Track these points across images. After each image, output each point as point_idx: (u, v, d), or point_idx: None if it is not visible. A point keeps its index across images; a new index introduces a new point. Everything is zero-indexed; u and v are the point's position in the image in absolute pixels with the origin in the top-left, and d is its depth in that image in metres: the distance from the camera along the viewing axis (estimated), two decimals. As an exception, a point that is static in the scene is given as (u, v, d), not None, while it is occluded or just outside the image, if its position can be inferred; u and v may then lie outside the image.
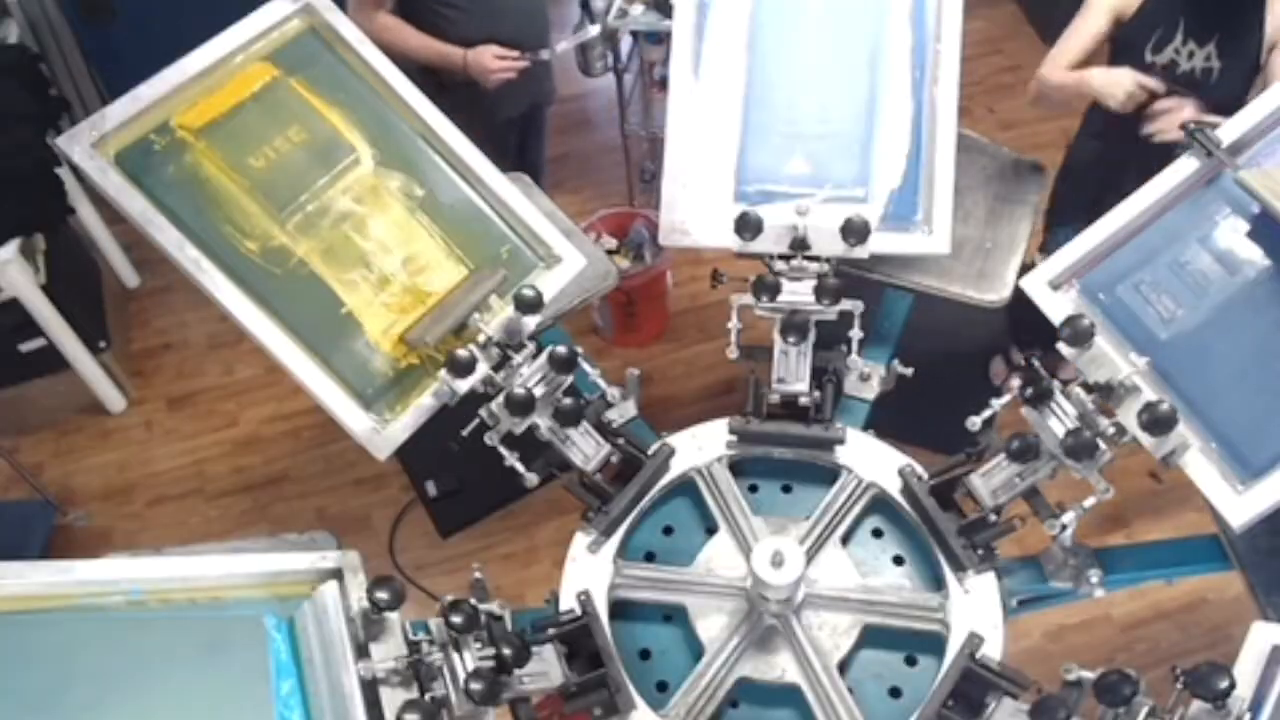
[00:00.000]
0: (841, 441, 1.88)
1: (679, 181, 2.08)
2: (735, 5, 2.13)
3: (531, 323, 1.88)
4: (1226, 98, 1.80)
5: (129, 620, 1.44)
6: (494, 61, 2.62)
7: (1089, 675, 1.46)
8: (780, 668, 1.66)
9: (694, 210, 2.06)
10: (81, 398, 3.26)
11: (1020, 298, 1.95)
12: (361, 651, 1.46)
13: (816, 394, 1.91)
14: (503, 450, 1.79)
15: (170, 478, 3.16)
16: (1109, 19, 1.88)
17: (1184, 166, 1.78)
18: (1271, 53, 1.72)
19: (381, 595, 1.47)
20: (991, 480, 1.76)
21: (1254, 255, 1.73)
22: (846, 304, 1.90)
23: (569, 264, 2.08)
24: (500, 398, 1.77)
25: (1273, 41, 1.74)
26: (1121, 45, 1.96)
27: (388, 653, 1.47)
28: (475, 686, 1.44)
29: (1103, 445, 1.66)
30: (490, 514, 2.96)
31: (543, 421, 1.80)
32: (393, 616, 1.51)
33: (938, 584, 1.74)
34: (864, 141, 2.05)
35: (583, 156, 3.89)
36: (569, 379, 1.85)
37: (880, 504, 1.85)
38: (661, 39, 3.12)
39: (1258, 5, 1.78)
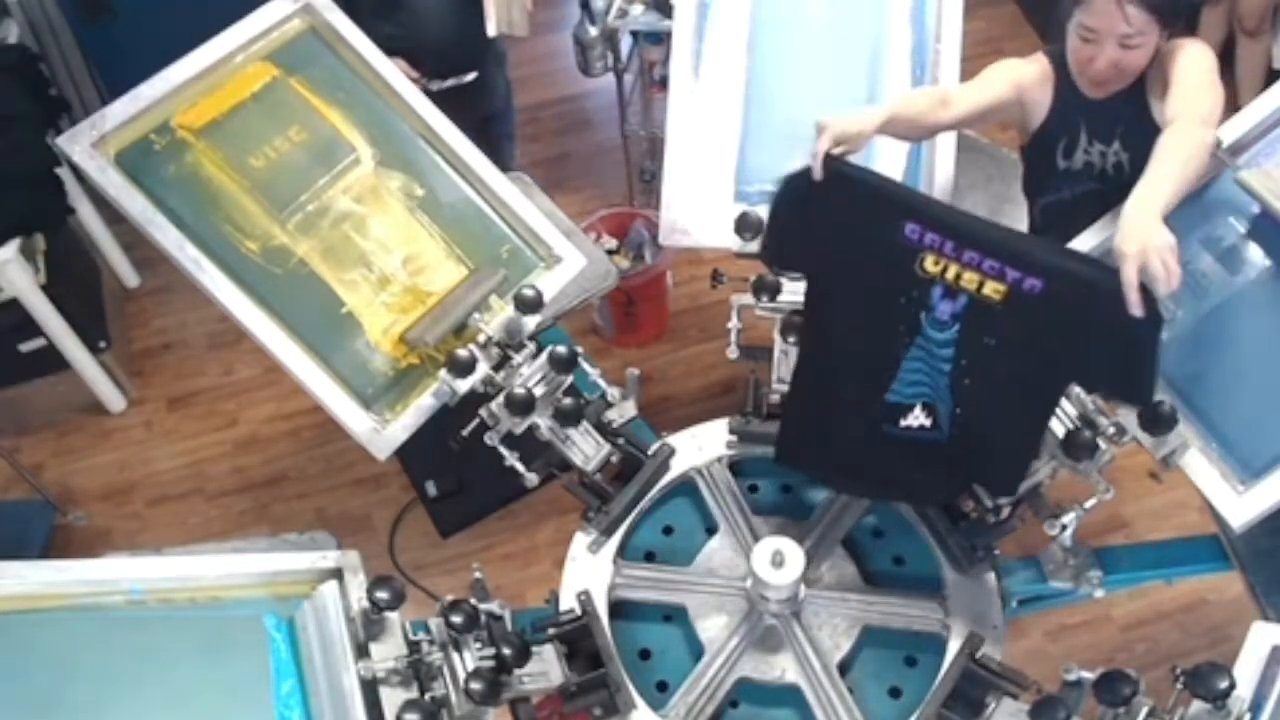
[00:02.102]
0: (841, 441, 1.88)
1: (679, 181, 2.08)
2: (735, 5, 2.13)
3: (531, 323, 1.88)
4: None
5: (129, 620, 1.44)
6: None
7: (1089, 675, 1.47)
8: (780, 668, 1.66)
9: (694, 210, 2.06)
10: (81, 398, 3.25)
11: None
12: (361, 651, 1.46)
13: (816, 394, 1.91)
14: (503, 450, 1.79)
15: (170, 478, 3.16)
16: (1013, 91, 1.88)
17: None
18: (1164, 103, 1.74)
19: (381, 595, 1.47)
20: (991, 480, 1.76)
21: (1254, 255, 1.73)
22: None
23: (569, 264, 2.08)
24: (500, 398, 1.78)
25: (1162, 93, 1.77)
26: (1034, 156, 2.00)
27: (388, 652, 1.47)
28: (475, 686, 1.44)
29: (1103, 445, 1.66)
30: (490, 514, 2.96)
31: (543, 421, 1.80)
32: (393, 616, 1.51)
33: (938, 584, 1.74)
34: (864, 141, 2.06)
35: (583, 156, 3.89)
36: (569, 379, 1.85)
37: (880, 504, 1.85)
38: (661, 39, 3.11)
39: (1142, 89, 1.82)
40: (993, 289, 1.51)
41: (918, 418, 1.69)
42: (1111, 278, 1.44)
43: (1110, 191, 1.93)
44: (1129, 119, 1.86)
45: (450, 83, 2.60)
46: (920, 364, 1.65)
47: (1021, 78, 1.90)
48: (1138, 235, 1.46)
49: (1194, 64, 1.75)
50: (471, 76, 2.72)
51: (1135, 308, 1.42)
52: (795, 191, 1.65)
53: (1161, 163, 1.59)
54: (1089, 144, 1.92)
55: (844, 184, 1.60)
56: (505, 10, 2.51)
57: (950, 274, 1.53)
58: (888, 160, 2.04)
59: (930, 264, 1.54)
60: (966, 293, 1.53)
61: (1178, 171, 1.58)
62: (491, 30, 2.49)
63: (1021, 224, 2.29)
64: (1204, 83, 1.72)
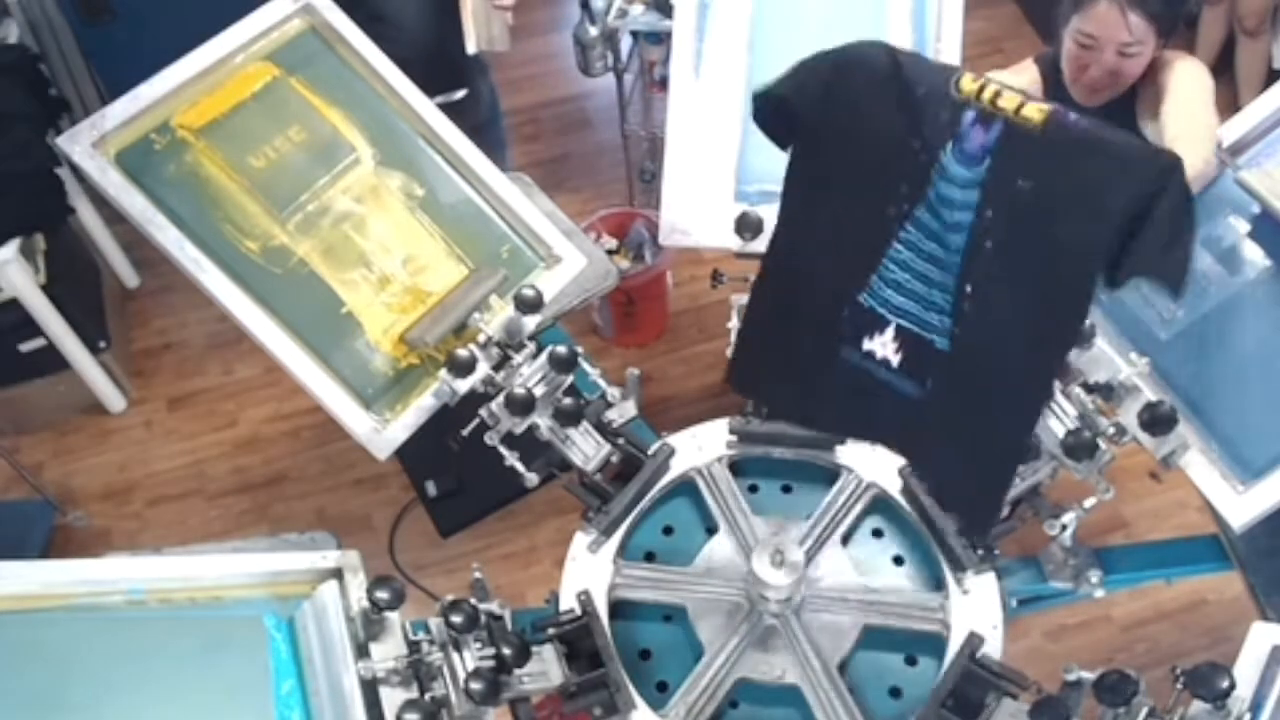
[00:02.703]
0: (841, 441, 1.88)
1: (679, 181, 2.08)
2: (735, 5, 2.13)
3: (531, 323, 1.88)
4: None
5: (129, 620, 1.44)
6: None
7: (1089, 675, 1.46)
8: (780, 668, 1.66)
9: (694, 210, 2.06)
10: (81, 398, 3.26)
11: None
12: (361, 651, 1.46)
13: (816, 394, 1.90)
14: (503, 450, 1.79)
15: (170, 478, 3.16)
16: None
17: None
18: (1159, 113, 1.71)
19: (381, 595, 1.47)
20: (991, 480, 1.75)
21: (1254, 255, 1.73)
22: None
23: (569, 264, 2.08)
24: (500, 398, 1.77)
25: (1153, 110, 1.74)
26: None
27: (388, 652, 1.47)
28: (475, 686, 1.44)
29: (1103, 445, 1.66)
30: (490, 514, 2.96)
31: (543, 421, 1.80)
32: (393, 616, 1.51)
33: (938, 584, 1.74)
34: (864, 141, 2.05)
35: (583, 156, 3.89)
36: (569, 379, 1.85)
37: (880, 504, 1.85)
38: (661, 39, 3.11)
39: (1133, 100, 1.81)
40: (1034, 109, 1.28)
41: (885, 346, 1.46)
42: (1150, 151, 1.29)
43: None
44: (1120, 128, 1.86)
45: (438, 100, 2.59)
46: (913, 249, 1.41)
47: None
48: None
49: (1191, 85, 1.71)
50: (461, 94, 2.71)
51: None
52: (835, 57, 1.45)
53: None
54: None
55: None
56: (485, 27, 2.51)
57: (988, 93, 1.30)
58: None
59: (968, 82, 1.32)
60: (1003, 115, 1.30)
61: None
62: (471, 48, 2.48)
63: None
64: (1201, 106, 1.69)
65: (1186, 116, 1.67)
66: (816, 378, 1.51)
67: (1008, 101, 1.29)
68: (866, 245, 1.44)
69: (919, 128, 1.35)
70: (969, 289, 1.38)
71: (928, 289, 1.42)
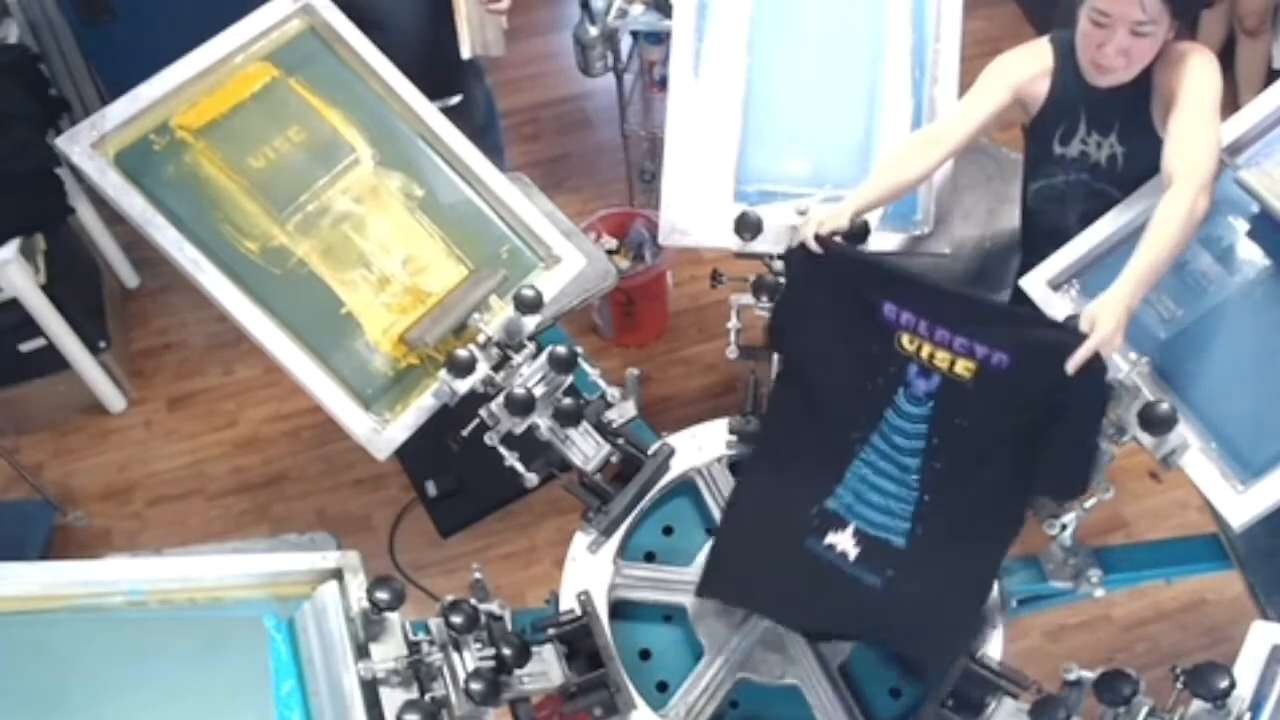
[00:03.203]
0: (841, 441, 1.88)
1: (679, 181, 2.08)
2: (735, 5, 2.13)
3: (531, 323, 1.88)
4: (1136, 180, 1.85)
5: (129, 620, 1.44)
6: None
7: (1089, 675, 1.47)
8: (780, 668, 1.66)
9: (694, 210, 2.06)
10: (81, 398, 3.25)
11: (1019, 297, 1.95)
12: (361, 652, 1.46)
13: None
14: (503, 450, 1.79)
15: (170, 478, 3.16)
16: (1010, 94, 1.90)
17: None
18: (1168, 116, 1.75)
19: (381, 595, 1.47)
20: (991, 480, 1.76)
21: (1254, 255, 1.73)
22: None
23: (569, 264, 2.08)
24: (500, 398, 1.78)
25: (1165, 104, 1.78)
26: (1033, 138, 2.01)
27: (388, 653, 1.47)
28: (475, 686, 1.44)
29: (1103, 445, 1.66)
30: (490, 514, 2.96)
31: (543, 421, 1.80)
32: (393, 616, 1.51)
33: (938, 584, 1.74)
34: (864, 141, 2.05)
35: (583, 156, 3.89)
36: (569, 379, 1.85)
37: (880, 504, 1.85)
38: (661, 39, 3.11)
39: (1148, 88, 1.82)
40: (963, 367, 1.63)
41: (845, 541, 1.72)
42: (1074, 340, 1.53)
43: (1099, 184, 1.94)
44: (1128, 113, 1.86)
45: (435, 105, 2.59)
46: (871, 468, 1.72)
47: (1019, 77, 1.91)
48: (1116, 317, 1.54)
49: (1203, 87, 1.74)
50: (457, 100, 2.71)
51: (1073, 363, 1.52)
52: (789, 270, 1.78)
53: (1154, 241, 1.62)
54: (1087, 133, 1.92)
55: (831, 263, 1.73)
56: (479, 31, 2.50)
57: (925, 353, 1.65)
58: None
59: (906, 343, 1.67)
60: (939, 372, 1.65)
61: (1166, 254, 1.62)
62: (466, 52, 2.48)
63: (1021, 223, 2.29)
64: (1210, 121, 1.72)
65: (1195, 140, 1.71)
66: (786, 574, 1.72)
67: (941, 362, 1.64)
68: (833, 462, 1.75)
69: (872, 374, 1.70)
70: (926, 498, 1.69)
71: (885, 499, 1.71)
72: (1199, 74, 1.75)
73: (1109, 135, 1.90)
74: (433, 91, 2.37)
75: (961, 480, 1.65)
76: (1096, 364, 1.54)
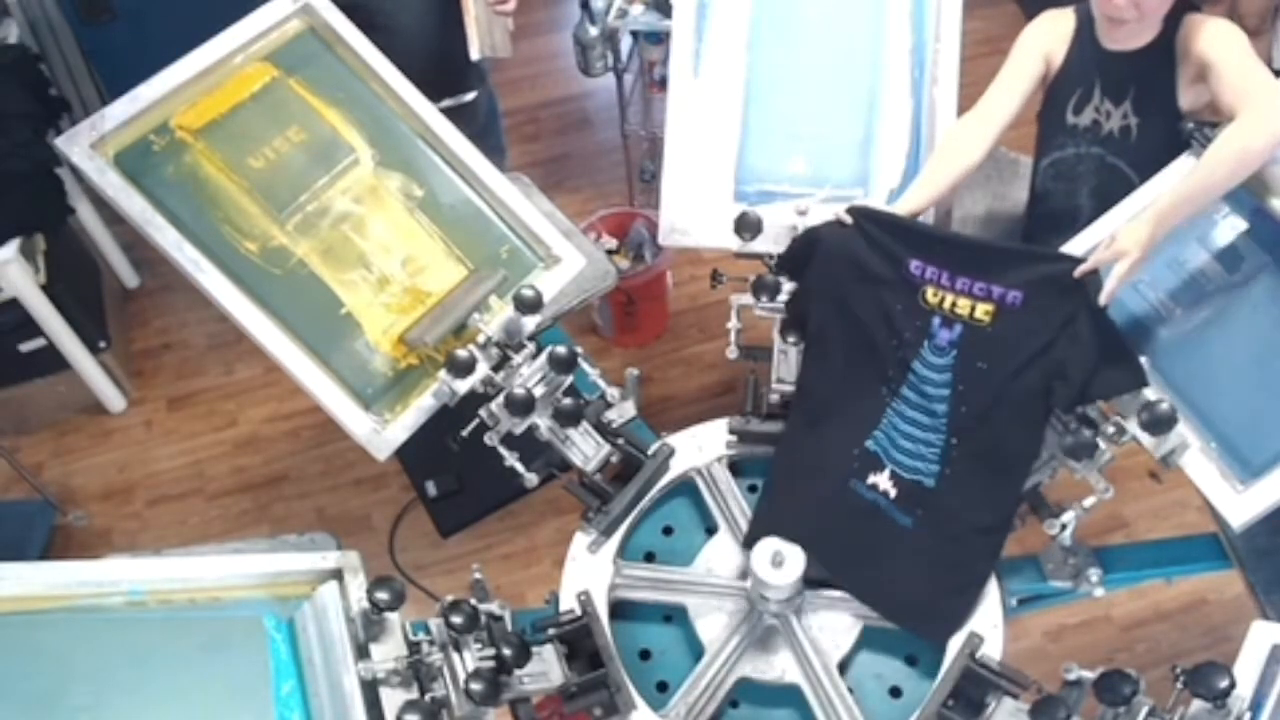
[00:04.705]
0: (841, 441, 1.89)
1: (679, 181, 2.08)
2: (735, 5, 2.13)
3: (531, 323, 1.88)
4: (1148, 156, 1.84)
5: (129, 620, 1.44)
6: None
7: (1089, 675, 1.47)
8: (780, 668, 1.66)
9: (694, 210, 2.06)
10: (81, 398, 3.25)
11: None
12: (362, 652, 1.46)
13: (816, 394, 1.92)
14: (503, 450, 1.79)
15: (170, 478, 3.16)
16: (1043, 62, 1.94)
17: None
18: (1207, 79, 1.77)
19: (381, 595, 1.47)
20: (991, 480, 1.77)
21: (1254, 255, 1.73)
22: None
23: (568, 264, 2.08)
24: (500, 398, 1.78)
25: (1197, 71, 1.79)
26: (1048, 103, 2.03)
27: (388, 653, 1.47)
28: (475, 687, 1.44)
29: (1102, 445, 1.66)
30: (490, 514, 2.96)
31: (543, 421, 1.80)
32: (393, 617, 1.51)
33: (938, 584, 1.74)
34: (863, 141, 2.05)
35: (583, 156, 3.89)
36: (569, 379, 1.85)
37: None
38: (661, 39, 3.11)
39: (1167, 58, 1.83)
40: (982, 310, 1.74)
41: (884, 481, 1.81)
42: (1073, 266, 1.67)
43: (1111, 158, 1.94)
44: (1143, 81, 1.87)
45: (448, 103, 2.59)
46: (903, 416, 1.81)
47: (1047, 44, 1.96)
48: (1137, 239, 1.64)
49: (1239, 41, 1.77)
50: (471, 96, 2.71)
51: (1084, 268, 1.65)
52: (817, 237, 1.86)
53: (1199, 170, 1.66)
54: (1100, 100, 1.94)
55: (860, 224, 1.83)
56: (487, 33, 2.50)
57: (947, 304, 1.76)
58: (887, 160, 2.04)
59: (931, 296, 1.77)
60: (960, 320, 1.75)
61: (1204, 187, 1.66)
62: (475, 54, 2.48)
63: (1020, 223, 2.29)
64: (1261, 65, 1.73)
65: (1245, 74, 1.72)
66: (830, 512, 1.81)
67: (962, 309, 1.75)
68: (868, 413, 1.84)
69: (900, 331, 1.80)
70: (954, 441, 1.77)
71: (915, 445, 1.79)
72: (1228, 33, 1.78)
73: (1122, 104, 1.91)
74: (444, 92, 2.37)
75: (985, 421, 1.75)
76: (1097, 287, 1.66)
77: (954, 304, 1.75)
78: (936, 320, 1.77)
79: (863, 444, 1.84)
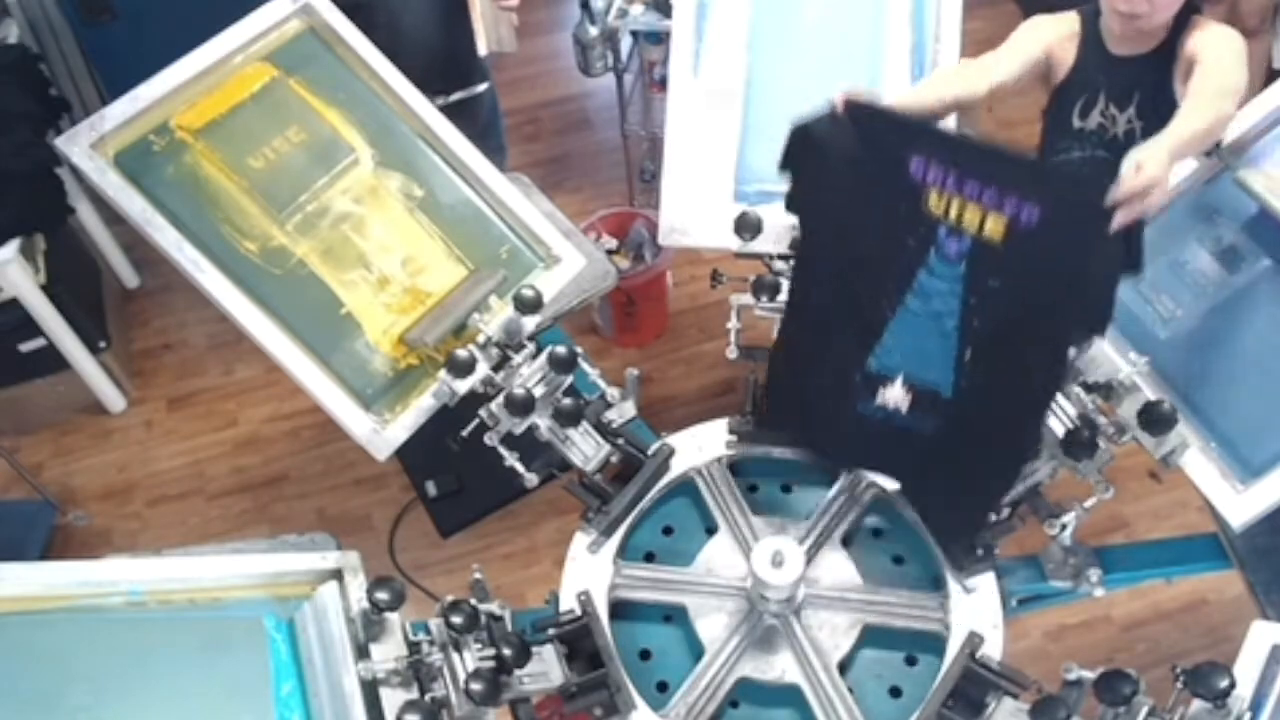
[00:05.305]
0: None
1: (679, 181, 2.08)
2: (734, 5, 2.13)
3: (531, 323, 1.88)
4: None
5: (129, 620, 1.44)
6: None
7: (1089, 675, 1.46)
8: (780, 668, 1.66)
9: (694, 210, 2.06)
10: (81, 398, 3.25)
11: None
12: (362, 652, 1.46)
13: (816, 394, 1.91)
14: (503, 450, 1.79)
15: (170, 478, 3.16)
16: (1042, 49, 1.93)
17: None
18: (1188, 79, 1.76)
19: (381, 595, 1.47)
20: (991, 480, 1.76)
21: (1254, 255, 1.73)
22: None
23: (568, 264, 2.08)
24: (500, 398, 1.78)
25: (1186, 68, 1.79)
26: (1053, 111, 2.03)
27: (388, 653, 1.47)
28: (475, 687, 1.44)
29: (1102, 445, 1.66)
30: (490, 514, 2.96)
31: (543, 421, 1.80)
32: (393, 617, 1.51)
33: (938, 584, 1.74)
34: (863, 141, 2.05)
35: (583, 156, 3.89)
36: (569, 379, 1.85)
37: (880, 504, 1.85)
38: (661, 39, 3.11)
39: (1171, 63, 1.83)
40: (993, 226, 1.51)
41: (897, 396, 1.67)
42: (1101, 192, 1.45)
43: (1116, 160, 1.94)
44: (1148, 85, 1.88)
45: (459, 95, 2.59)
46: (909, 328, 1.64)
47: (1050, 37, 1.95)
48: (1160, 162, 1.48)
49: (1224, 45, 1.77)
50: (484, 86, 2.71)
51: (1118, 193, 1.44)
52: (809, 133, 1.66)
53: (1182, 117, 1.61)
54: (1106, 105, 1.94)
55: (856, 119, 1.62)
56: (494, 28, 2.51)
57: (954, 212, 1.53)
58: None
59: (934, 201, 1.54)
60: (968, 234, 1.54)
61: (1197, 127, 1.59)
62: (483, 49, 2.49)
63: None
64: (1232, 61, 1.73)
65: (1214, 70, 1.72)
66: (836, 428, 1.72)
67: (970, 222, 1.53)
68: (869, 330, 1.67)
69: (901, 237, 1.59)
70: (968, 355, 1.62)
71: (925, 358, 1.64)
72: (1220, 39, 1.79)
73: (1127, 108, 1.91)
74: (450, 88, 2.38)
75: (1002, 337, 1.59)
76: (1133, 231, 1.48)
77: (961, 213, 1.53)
78: (942, 230, 1.56)
79: (864, 366, 1.68)
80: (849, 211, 1.64)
